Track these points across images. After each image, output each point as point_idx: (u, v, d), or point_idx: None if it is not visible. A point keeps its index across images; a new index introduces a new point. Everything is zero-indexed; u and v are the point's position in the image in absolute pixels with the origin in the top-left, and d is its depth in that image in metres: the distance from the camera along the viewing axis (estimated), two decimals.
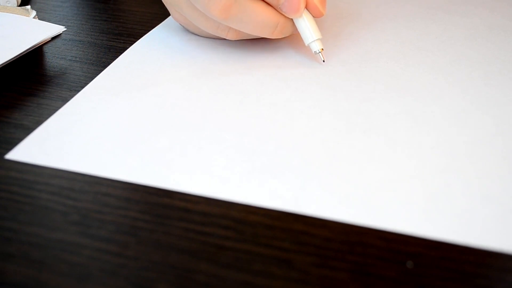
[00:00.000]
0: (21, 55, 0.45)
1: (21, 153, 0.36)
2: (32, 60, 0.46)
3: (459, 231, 0.30)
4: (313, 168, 0.34)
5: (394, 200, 0.32)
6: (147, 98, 0.41)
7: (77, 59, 0.46)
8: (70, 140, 0.37)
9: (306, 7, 0.43)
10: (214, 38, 0.48)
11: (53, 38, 0.49)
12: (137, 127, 0.38)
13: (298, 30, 0.44)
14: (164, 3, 0.46)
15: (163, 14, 0.53)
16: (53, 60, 0.46)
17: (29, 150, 0.36)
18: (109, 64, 0.45)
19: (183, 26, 0.49)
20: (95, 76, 0.44)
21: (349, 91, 0.41)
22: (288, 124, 0.38)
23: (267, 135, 0.37)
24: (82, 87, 0.42)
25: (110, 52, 0.47)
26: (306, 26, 0.43)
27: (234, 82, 0.42)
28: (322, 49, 0.44)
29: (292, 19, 0.43)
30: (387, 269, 0.29)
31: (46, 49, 0.48)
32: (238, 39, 0.44)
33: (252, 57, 0.45)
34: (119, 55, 0.46)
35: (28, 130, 0.38)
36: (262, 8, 0.42)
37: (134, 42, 0.48)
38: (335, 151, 0.36)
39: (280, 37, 0.44)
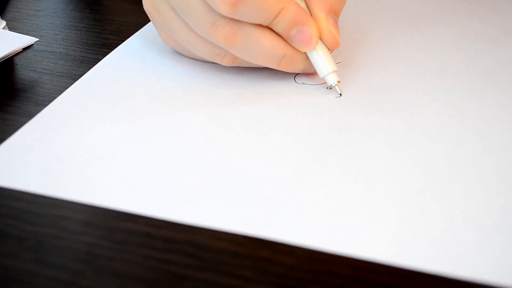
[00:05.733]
0: None
1: None
2: (0, 73, 0.45)
3: (434, 259, 0.29)
4: (282, 192, 0.33)
5: (365, 225, 0.31)
6: (115, 114, 0.39)
7: (48, 71, 0.45)
8: (32, 159, 0.35)
9: (321, 37, 0.40)
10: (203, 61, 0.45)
11: (25, 48, 0.48)
12: (102, 145, 0.36)
13: (312, 62, 0.40)
14: (153, 24, 0.43)
15: (141, 23, 0.52)
16: (22, 72, 0.45)
17: None
18: (80, 76, 0.44)
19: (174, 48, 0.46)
20: (65, 90, 0.42)
21: (322, 105, 0.40)
22: (256, 147, 0.36)
23: (235, 158, 0.35)
24: (50, 102, 0.41)
25: (83, 64, 0.46)
26: (320, 59, 0.40)
27: (208, 100, 0.41)
28: (339, 81, 0.40)
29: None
30: None
31: (16, 60, 0.46)
32: (233, 65, 0.41)
33: (236, 78, 0.43)
34: (92, 67, 0.45)
35: None
36: (269, 37, 0.39)
37: (108, 53, 0.47)
38: (305, 172, 0.34)
39: (287, 71, 0.41)
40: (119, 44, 0.48)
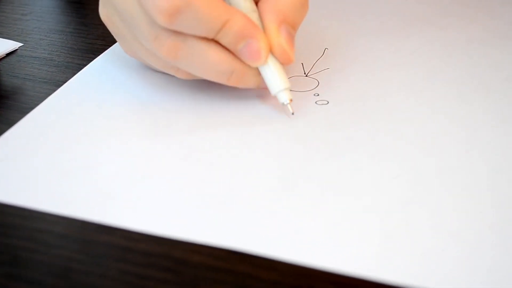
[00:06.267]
0: None
1: None
2: None
3: (419, 274, 0.28)
4: (263, 204, 0.32)
5: (348, 239, 0.30)
6: (96, 123, 0.38)
7: (31, 77, 0.44)
8: (9, 169, 0.35)
9: (272, 51, 0.37)
10: None
11: (8, 54, 0.47)
12: (81, 155, 0.35)
13: (263, 77, 0.38)
14: (112, 35, 0.41)
15: None
16: (5, 78, 0.44)
17: None
18: (64, 83, 0.43)
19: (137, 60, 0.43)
20: (47, 97, 0.41)
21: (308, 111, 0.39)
22: (236, 160, 0.35)
23: (214, 171, 0.34)
24: (32, 109, 0.40)
25: (67, 70, 0.45)
26: (271, 74, 0.37)
27: (190, 111, 0.40)
28: (291, 99, 0.38)
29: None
30: None
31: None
32: (189, 79, 0.39)
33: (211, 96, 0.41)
34: (77, 73, 0.44)
35: None
36: (216, 51, 0.36)
37: (94, 58, 0.46)
38: (287, 185, 0.33)
39: (239, 86, 0.38)
40: (106, 49, 0.47)
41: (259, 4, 0.38)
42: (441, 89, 0.41)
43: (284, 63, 0.37)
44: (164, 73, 0.42)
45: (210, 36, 0.36)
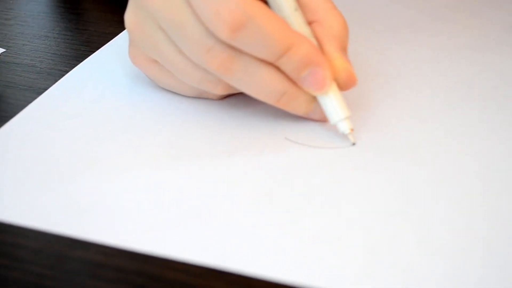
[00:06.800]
0: None
1: None
2: None
3: None
4: (241, 219, 0.31)
5: (330, 254, 0.29)
6: (76, 133, 0.37)
7: (12, 84, 0.43)
8: None
9: (337, 77, 0.35)
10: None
11: None
12: (58, 166, 0.35)
13: (321, 106, 0.36)
14: (130, 42, 0.38)
15: (112, 33, 0.50)
16: None
17: None
18: (46, 90, 0.42)
19: (149, 77, 0.40)
20: (28, 105, 0.40)
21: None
22: (214, 175, 0.34)
23: (191, 186, 0.34)
24: (12, 117, 0.39)
25: (50, 77, 0.44)
26: (332, 102, 0.35)
27: (170, 127, 0.39)
28: (352, 129, 0.36)
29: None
30: None
31: None
32: (220, 99, 0.38)
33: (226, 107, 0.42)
34: (59, 79, 0.43)
35: None
36: (271, 70, 0.34)
37: (77, 65, 0.45)
38: (265, 198, 0.32)
39: (287, 110, 0.36)
40: (90, 55, 0.46)
41: (313, 28, 0.36)
42: (428, 97, 0.41)
43: (347, 87, 0.36)
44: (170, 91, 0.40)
45: (270, 59, 0.34)
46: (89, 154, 0.36)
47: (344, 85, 0.36)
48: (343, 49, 0.36)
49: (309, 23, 0.36)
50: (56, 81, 0.43)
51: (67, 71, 0.44)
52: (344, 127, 0.36)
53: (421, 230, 0.30)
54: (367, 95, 0.41)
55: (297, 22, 0.35)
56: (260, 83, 0.35)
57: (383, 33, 0.49)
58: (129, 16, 0.37)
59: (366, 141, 0.36)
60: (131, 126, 0.38)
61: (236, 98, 0.40)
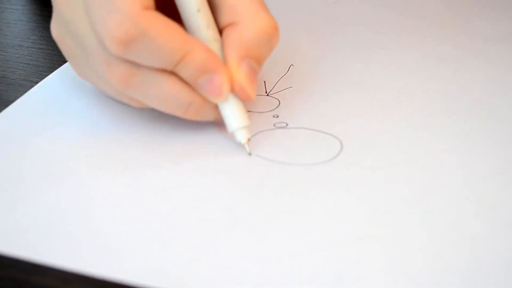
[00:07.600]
0: None
1: None
2: None
3: None
4: (203, 241, 0.30)
5: (295, 279, 0.28)
6: (38, 149, 0.36)
7: None
8: None
9: (232, 88, 0.34)
10: None
11: None
12: (17, 185, 0.34)
13: (221, 113, 0.35)
14: (64, 56, 0.38)
15: None
16: None
17: None
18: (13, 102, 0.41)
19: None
20: None
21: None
22: (174, 196, 0.33)
23: (156, 204, 0.32)
24: None
25: (21, 89, 0.43)
26: (230, 111, 0.35)
27: (137, 140, 0.38)
28: (249, 139, 0.35)
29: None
30: None
31: None
32: (144, 108, 0.36)
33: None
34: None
35: None
36: (172, 82, 0.33)
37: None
38: (230, 218, 0.31)
39: (197, 119, 0.35)
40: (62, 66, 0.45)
41: (224, 34, 0.35)
42: (406, 111, 0.39)
43: (244, 100, 0.35)
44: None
45: (168, 68, 0.33)
46: (48, 175, 0.34)
47: (239, 97, 0.35)
48: (250, 58, 0.34)
49: (227, 25, 0.34)
50: (25, 92, 0.42)
51: (38, 82, 0.43)
52: (241, 136, 0.35)
53: (388, 254, 0.29)
54: (343, 107, 0.40)
55: (197, 24, 0.34)
56: (164, 96, 0.34)
57: (364, 43, 0.47)
58: (53, 27, 0.37)
59: (339, 158, 0.35)
60: (95, 145, 0.37)
61: None
